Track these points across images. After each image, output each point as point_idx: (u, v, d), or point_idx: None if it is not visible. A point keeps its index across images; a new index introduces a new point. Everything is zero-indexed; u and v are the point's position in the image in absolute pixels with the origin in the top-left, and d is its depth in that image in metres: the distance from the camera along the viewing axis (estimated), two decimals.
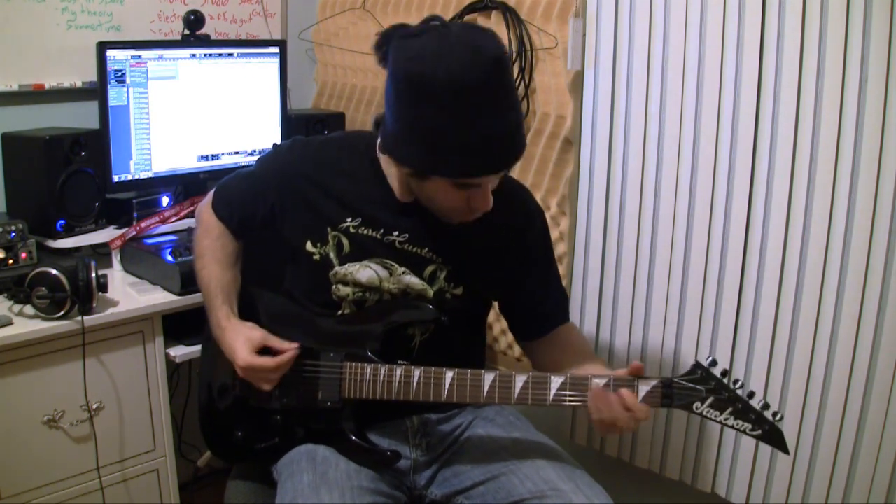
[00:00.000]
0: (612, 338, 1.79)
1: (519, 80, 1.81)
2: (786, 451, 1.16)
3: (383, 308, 1.32)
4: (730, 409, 1.13)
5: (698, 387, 1.14)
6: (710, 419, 1.13)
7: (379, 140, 1.25)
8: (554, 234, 1.82)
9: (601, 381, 1.17)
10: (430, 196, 1.23)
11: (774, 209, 1.46)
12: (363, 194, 1.31)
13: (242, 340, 1.28)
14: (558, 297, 1.44)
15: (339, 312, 1.34)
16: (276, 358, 1.27)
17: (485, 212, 1.22)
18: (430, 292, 1.32)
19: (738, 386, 1.13)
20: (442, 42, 1.09)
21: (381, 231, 1.31)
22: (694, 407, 1.14)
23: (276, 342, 1.29)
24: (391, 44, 1.14)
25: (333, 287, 1.33)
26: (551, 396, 1.19)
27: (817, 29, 1.35)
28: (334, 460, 1.26)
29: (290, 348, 1.28)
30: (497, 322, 1.95)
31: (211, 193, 1.46)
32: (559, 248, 1.84)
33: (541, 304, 1.41)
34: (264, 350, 1.29)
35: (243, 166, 1.51)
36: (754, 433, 1.12)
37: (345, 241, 1.32)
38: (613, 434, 1.20)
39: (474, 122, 1.10)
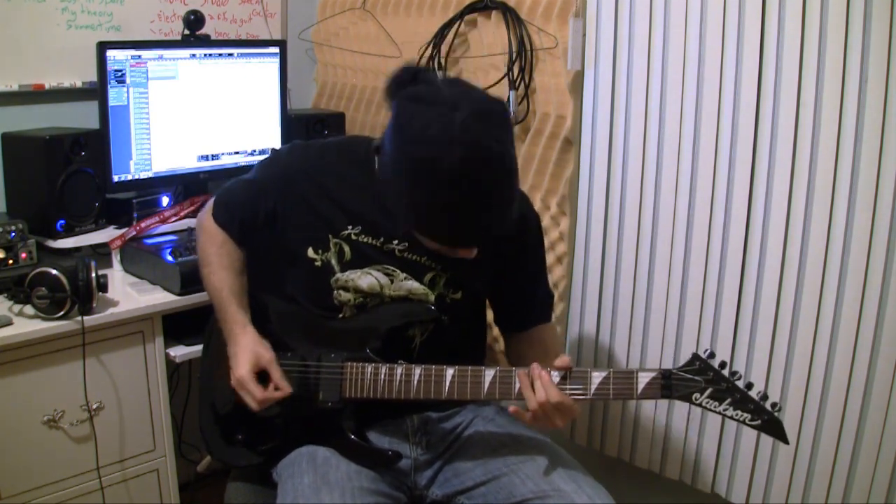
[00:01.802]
0: (611, 337, 1.79)
1: (519, 80, 1.81)
2: (785, 440, 1.16)
3: (384, 309, 1.32)
4: (728, 400, 1.13)
5: (697, 377, 1.14)
6: (710, 410, 1.14)
7: (378, 171, 1.25)
8: (554, 234, 1.82)
9: (600, 375, 1.17)
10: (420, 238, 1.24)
11: (774, 209, 1.46)
12: (363, 202, 1.31)
13: (249, 354, 1.28)
14: (543, 297, 1.46)
15: (341, 315, 1.34)
16: (265, 393, 1.27)
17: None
18: (432, 297, 1.32)
19: (736, 377, 1.14)
20: (447, 129, 1.07)
21: (381, 239, 1.31)
22: (693, 398, 1.15)
23: (276, 375, 1.28)
24: (396, 98, 1.15)
25: (335, 293, 1.33)
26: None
27: (817, 29, 1.36)
28: (335, 461, 1.26)
29: (283, 389, 1.27)
30: None
31: (211, 202, 1.47)
32: (559, 248, 1.84)
33: (526, 301, 1.43)
34: (263, 373, 1.29)
35: (243, 166, 1.51)
36: (753, 423, 1.13)
37: (346, 249, 1.32)
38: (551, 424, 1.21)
39: (467, 214, 1.12)
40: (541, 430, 1.39)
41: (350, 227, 1.32)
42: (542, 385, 1.17)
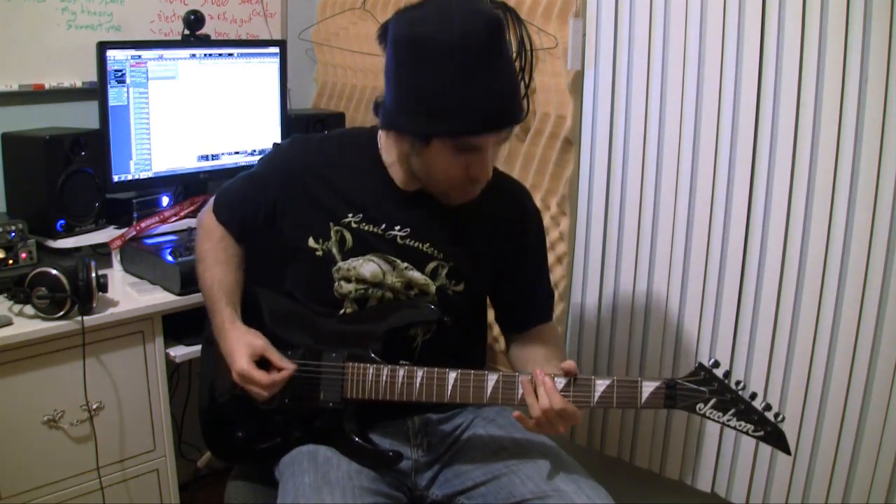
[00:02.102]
0: (611, 337, 1.79)
1: (519, 80, 1.81)
2: (788, 451, 1.16)
3: (385, 308, 1.32)
4: (732, 411, 1.13)
5: (701, 388, 1.14)
6: (713, 420, 1.14)
7: (380, 122, 1.27)
8: (554, 234, 1.82)
9: (604, 383, 1.17)
10: (430, 169, 1.24)
11: (774, 209, 1.46)
12: (364, 189, 1.32)
13: (243, 346, 1.28)
14: (544, 296, 1.45)
15: (341, 312, 1.34)
16: (271, 376, 1.26)
17: (485, 181, 1.24)
18: (433, 287, 1.32)
19: (740, 387, 1.14)
20: (442, 8, 1.15)
21: (383, 226, 1.31)
22: (697, 408, 1.14)
23: (275, 357, 1.28)
24: (391, 21, 1.20)
25: (336, 284, 1.33)
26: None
27: (817, 29, 1.36)
28: (336, 461, 1.26)
29: (286, 367, 1.27)
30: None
31: (211, 201, 1.47)
32: (559, 248, 1.84)
33: (526, 300, 1.43)
34: (263, 360, 1.28)
35: (243, 166, 1.51)
36: (756, 434, 1.13)
37: (347, 236, 1.32)
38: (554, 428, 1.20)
39: (474, 80, 1.14)
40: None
41: (351, 215, 1.32)
42: (545, 392, 1.16)
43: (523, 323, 1.43)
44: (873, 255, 1.36)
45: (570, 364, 1.18)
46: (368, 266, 1.31)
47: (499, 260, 1.37)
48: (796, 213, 1.43)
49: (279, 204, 1.35)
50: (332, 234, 1.32)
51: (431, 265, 1.32)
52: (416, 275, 1.32)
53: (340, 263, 1.32)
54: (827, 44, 1.35)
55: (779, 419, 1.13)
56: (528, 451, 1.31)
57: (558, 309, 1.81)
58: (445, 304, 1.32)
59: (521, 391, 1.20)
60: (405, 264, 1.32)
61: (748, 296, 1.53)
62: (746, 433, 1.13)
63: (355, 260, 1.32)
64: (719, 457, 1.63)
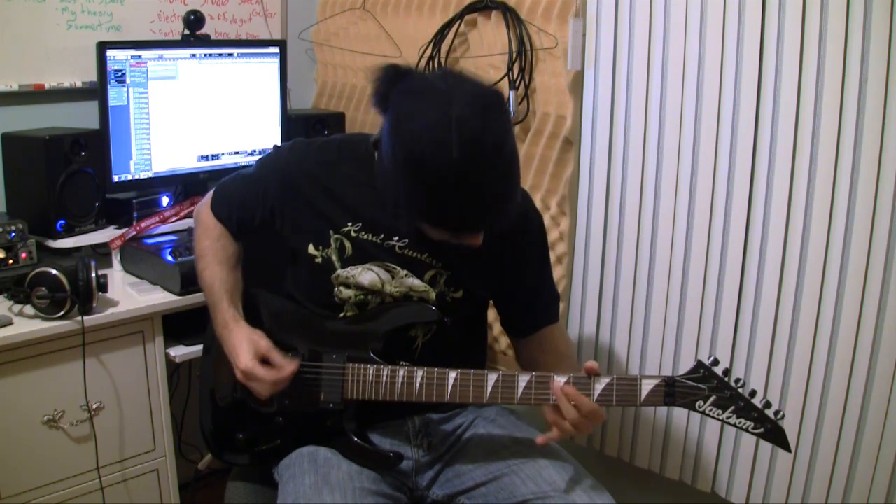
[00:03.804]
0: (612, 338, 1.79)
1: (519, 80, 1.81)
2: (788, 449, 1.16)
3: (385, 309, 1.32)
4: (732, 408, 1.13)
5: (701, 385, 1.14)
6: (713, 417, 1.14)
7: (376, 162, 1.25)
8: (554, 234, 1.82)
9: (604, 381, 1.17)
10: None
11: (774, 209, 1.46)
12: (364, 198, 1.31)
13: (247, 345, 1.28)
14: (548, 299, 1.44)
15: (341, 314, 1.34)
16: (275, 373, 1.26)
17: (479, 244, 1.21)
18: (433, 294, 1.32)
19: (739, 385, 1.14)
20: (443, 125, 1.05)
21: (382, 236, 1.31)
22: (696, 405, 1.15)
23: (277, 358, 1.28)
24: (391, 96, 1.13)
25: (335, 289, 1.33)
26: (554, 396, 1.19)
27: (817, 29, 1.36)
28: (336, 462, 1.26)
29: (286, 366, 1.27)
30: (497, 322, 1.95)
31: (209, 194, 1.46)
32: (559, 248, 1.84)
33: (531, 304, 1.41)
34: (265, 361, 1.28)
35: (243, 166, 1.51)
36: (756, 431, 1.13)
37: (347, 245, 1.32)
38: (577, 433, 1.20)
39: (468, 202, 1.10)
40: (542, 430, 1.39)
41: (350, 224, 1.32)
42: (575, 399, 1.16)
43: (531, 326, 1.42)
44: (873, 255, 1.36)
45: (591, 364, 1.18)
46: (367, 275, 1.31)
47: (500, 264, 1.36)
48: (796, 212, 1.43)
49: (277, 209, 1.35)
50: (332, 241, 1.32)
51: (430, 273, 1.32)
52: (415, 282, 1.32)
53: (339, 271, 1.32)
54: (827, 44, 1.35)
55: (779, 416, 1.13)
56: (528, 451, 1.31)
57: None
58: (445, 308, 1.32)
59: (520, 389, 1.20)
60: (405, 272, 1.31)
61: (748, 296, 1.53)
62: (746, 430, 1.14)
63: (354, 268, 1.31)
64: (719, 457, 1.63)
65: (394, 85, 1.14)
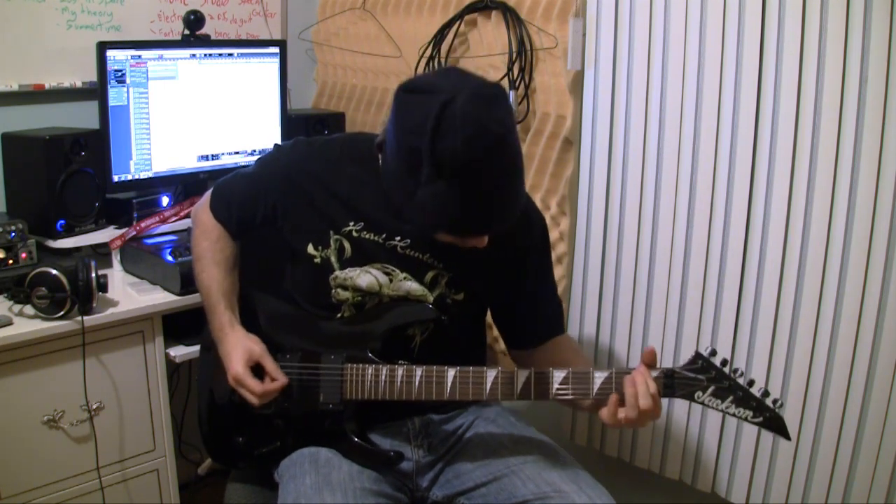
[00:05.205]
0: (612, 337, 1.79)
1: (519, 80, 1.81)
2: (787, 436, 1.16)
3: (383, 309, 1.32)
4: (731, 398, 1.14)
5: (699, 376, 1.15)
6: (712, 408, 1.15)
7: (380, 163, 1.25)
8: (554, 235, 1.82)
9: (602, 375, 1.18)
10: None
11: (774, 209, 1.46)
12: (366, 198, 1.31)
13: (240, 350, 1.28)
14: (553, 308, 1.41)
15: (339, 315, 1.34)
16: (263, 386, 1.27)
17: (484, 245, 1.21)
18: (430, 298, 1.32)
19: (738, 375, 1.14)
20: (446, 119, 1.05)
21: (384, 235, 1.31)
22: (695, 396, 1.15)
23: (270, 366, 1.28)
24: (394, 98, 1.14)
25: (333, 291, 1.32)
26: (553, 391, 1.20)
27: (817, 29, 1.36)
28: (337, 462, 1.26)
29: (279, 379, 1.28)
30: None
31: (208, 194, 1.46)
32: (559, 248, 1.84)
33: (535, 313, 1.40)
34: (259, 367, 1.29)
35: (243, 166, 1.51)
36: (755, 420, 1.13)
37: (347, 246, 1.31)
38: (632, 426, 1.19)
39: (473, 199, 1.10)
40: (542, 430, 1.39)
41: (352, 224, 1.31)
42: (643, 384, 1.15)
43: (537, 336, 1.39)
44: (873, 255, 1.36)
45: (650, 350, 1.16)
46: (365, 277, 1.31)
47: (502, 269, 1.35)
48: (796, 212, 1.43)
49: (279, 207, 1.35)
50: (332, 242, 1.32)
51: (431, 274, 1.32)
52: (413, 285, 1.31)
53: (338, 273, 1.32)
54: (827, 44, 1.35)
55: (777, 405, 1.13)
56: (528, 452, 1.31)
57: None
58: (444, 309, 1.32)
59: (519, 385, 1.20)
60: (403, 275, 1.31)
61: (748, 296, 1.52)
62: (746, 419, 1.14)
63: (352, 270, 1.31)
64: (719, 457, 1.63)
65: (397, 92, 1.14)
